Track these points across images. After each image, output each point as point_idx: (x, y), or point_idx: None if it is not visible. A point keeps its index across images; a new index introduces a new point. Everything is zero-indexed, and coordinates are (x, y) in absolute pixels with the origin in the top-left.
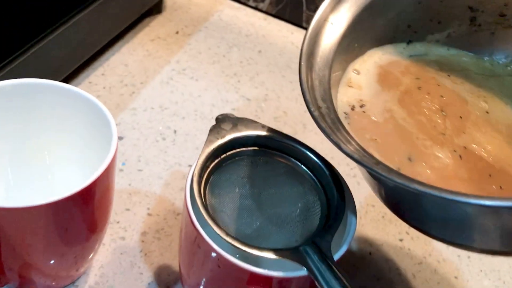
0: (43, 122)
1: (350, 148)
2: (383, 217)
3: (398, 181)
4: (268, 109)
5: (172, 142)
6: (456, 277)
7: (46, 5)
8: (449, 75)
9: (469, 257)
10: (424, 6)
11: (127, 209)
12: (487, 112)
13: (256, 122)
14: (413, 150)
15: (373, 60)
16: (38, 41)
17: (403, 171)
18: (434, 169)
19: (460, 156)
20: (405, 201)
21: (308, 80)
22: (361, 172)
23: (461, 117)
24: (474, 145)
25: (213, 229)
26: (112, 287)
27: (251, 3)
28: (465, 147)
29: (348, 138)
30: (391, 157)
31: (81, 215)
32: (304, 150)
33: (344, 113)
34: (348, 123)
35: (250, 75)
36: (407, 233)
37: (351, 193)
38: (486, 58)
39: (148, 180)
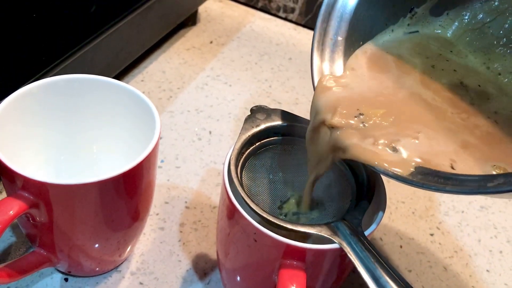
0: (92, 115)
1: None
2: (413, 213)
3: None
4: (299, 112)
5: (208, 142)
6: (488, 271)
7: (90, 14)
8: (451, 51)
9: (501, 252)
10: None
11: (166, 202)
12: (499, 74)
13: (288, 112)
14: (454, 124)
15: (371, 49)
16: (82, 47)
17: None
18: (479, 138)
19: (496, 121)
20: None
21: None
22: None
23: (479, 86)
24: (502, 110)
25: (249, 206)
26: (153, 273)
27: (281, 14)
28: (495, 112)
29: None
30: (440, 136)
31: (125, 198)
32: None
33: None
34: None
35: (281, 80)
36: (438, 228)
37: (380, 177)
38: (466, 16)
39: (186, 176)
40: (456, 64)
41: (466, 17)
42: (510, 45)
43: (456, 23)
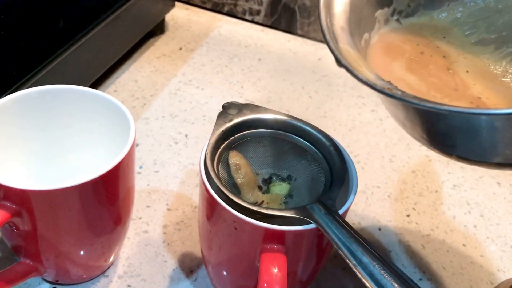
0: (67, 125)
1: (379, 83)
2: (389, 196)
3: (428, 106)
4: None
5: (185, 145)
6: (464, 245)
7: (58, 28)
8: (444, 37)
9: (475, 226)
10: None
11: (148, 206)
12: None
13: (259, 106)
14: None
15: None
16: (51, 61)
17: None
18: None
19: (477, 106)
20: (431, 126)
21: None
22: (387, 108)
23: (467, 71)
24: (485, 97)
25: (227, 196)
26: (140, 275)
27: (247, 17)
28: (479, 97)
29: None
30: None
31: (105, 202)
32: (305, 127)
33: None
34: None
35: (252, 80)
36: (414, 209)
37: (350, 159)
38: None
39: (165, 180)
40: (446, 50)
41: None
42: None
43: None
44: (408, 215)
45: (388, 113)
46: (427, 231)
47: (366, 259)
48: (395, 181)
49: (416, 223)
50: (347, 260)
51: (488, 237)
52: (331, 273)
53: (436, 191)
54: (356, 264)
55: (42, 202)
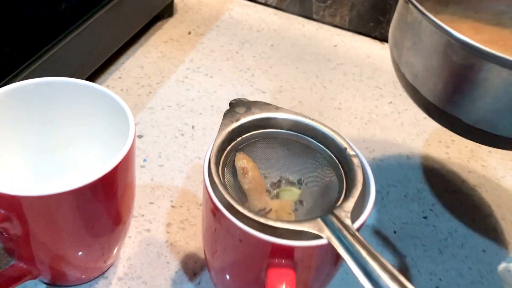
0: (65, 118)
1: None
2: (405, 196)
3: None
4: (283, 100)
5: (191, 137)
6: (484, 251)
7: (60, 11)
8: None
9: (496, 230)
10: None
11: (151, 203)
12: None
13: (269, 104)
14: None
15: None
16: (52, 46)
17: None
18: None
19: None
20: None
21: None
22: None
23: None
24: None
25: (232, 205)
26: (140, 277)
27: None
28: None
29: None
30: None
31: (104, 203)
32: (319, 127)
33: None
34: None
35: (263, 68)
36: (431, 210)
37: (367, 164)
38: None
39: (170, 174)
40: None
41: None
42: None
43: None
44: (425, 217)
45: (401, 65)
46: (445, 234)
47: (382, 281)
48: (412, 180)
49: (434, 226)
50: (361, 282)
51: (510, 243)
52: (336, 276)
53: (455, 192)
54: (372, 287)
55: (34, 207)
